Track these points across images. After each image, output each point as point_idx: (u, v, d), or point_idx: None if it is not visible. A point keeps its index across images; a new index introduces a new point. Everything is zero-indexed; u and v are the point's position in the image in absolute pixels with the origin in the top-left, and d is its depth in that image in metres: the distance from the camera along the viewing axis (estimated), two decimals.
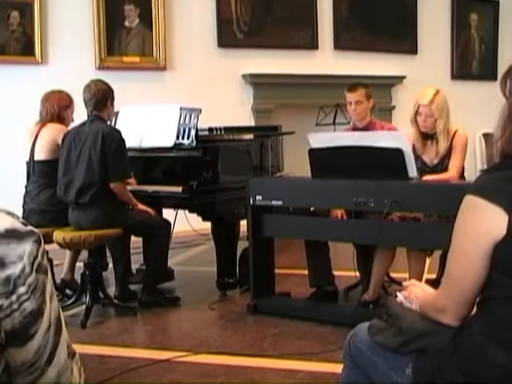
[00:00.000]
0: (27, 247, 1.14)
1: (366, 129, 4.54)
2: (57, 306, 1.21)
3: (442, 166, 4.19)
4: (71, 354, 1.25)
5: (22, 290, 1.12)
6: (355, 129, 4.63)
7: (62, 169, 4.50)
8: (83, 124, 4.53)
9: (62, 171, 4.49)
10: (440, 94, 4.19)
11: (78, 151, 4.41)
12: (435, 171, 4.19)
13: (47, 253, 1.23)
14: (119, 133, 4.46)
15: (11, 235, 1.13)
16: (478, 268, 1.62)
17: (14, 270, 1.12)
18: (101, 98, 4.47)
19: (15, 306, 1.12)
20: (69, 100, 4.84)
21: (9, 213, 1.18)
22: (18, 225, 1.15)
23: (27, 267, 1.13)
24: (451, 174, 4.15)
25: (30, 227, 1.17)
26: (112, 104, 4.58)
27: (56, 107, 4.77)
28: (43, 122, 4.78)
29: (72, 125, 4.85)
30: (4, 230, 1.13)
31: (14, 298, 1.12)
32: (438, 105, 4.13)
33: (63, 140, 4.54)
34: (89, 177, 4.35)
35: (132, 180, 4.72)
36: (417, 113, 4.21)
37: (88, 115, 4.54)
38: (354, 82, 4.75)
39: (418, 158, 4.23)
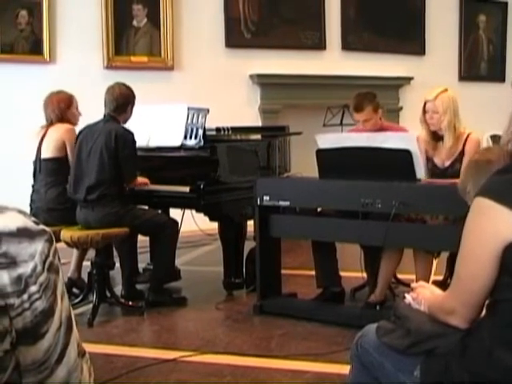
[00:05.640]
0: (39, 246, 1.14)
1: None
2: (68, 305, 1.21)
3: (452, 170, 4.14)
4: (81, 354, 1.25)
5: (33, 288, 1.13)
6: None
7: (73, 165, 4.52)
8: (97, 123, 4.55)
9: (73, 168, 4.51)
10: (447, 92, 4.17)
11: (89, 148, 4.44)
12: (446, 174, 4.15)
13: None
14: (132, 134, 4.48)
15: (23, 234, 1.13)
16: (487, 270, 1.61)
17: (25, 269, 1.12)
18: (122, 102, 4.50)
19: (26, 305, 1.12)
20: (68, 100, 4.84)
21: (21, 211, 1.18)
22: (29, 224, 1.16)
23: (39, 266, 1.13)
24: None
25: (41, 226, 1.17)
26: (131, 109, 4.60)
27: (57, 111, 4.78)
28: (51, 124, 4.80)
29: (81, 119, 4.87)
30: (16, 229, 1.13)
31: (25, 296, 1.12)
32: (442, 100, 4.11)
33: (77, 137, 4.57)
34: (100, 175, 4.37)
35: (145, 179, 4.71)
36: (424, 111, 4.19)
37: (104, 115, 4.55)
38: (359, 94, 4.61)
39: (428, 160, 4.21)
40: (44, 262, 1.14)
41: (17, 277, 1.11)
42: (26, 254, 1.13)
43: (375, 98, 4.59)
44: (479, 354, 1.64)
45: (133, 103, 4.59)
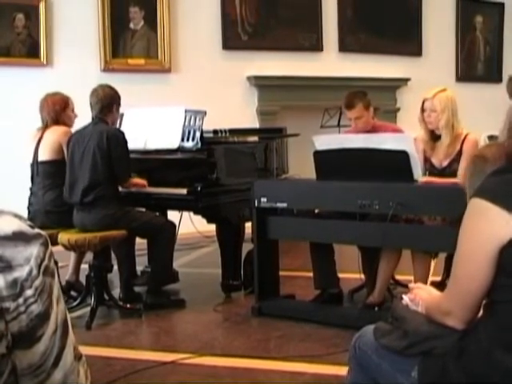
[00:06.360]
0: (34, 250, 1.14)
1: (369, 133, 4.52)
2: (64, 309, 1.21)
3: (450, 170, 4.14)
4: (78, 357, 1.25)
5: (28, 292, 1.13)
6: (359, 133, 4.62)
7: (67, 171, 4.53)
8: (86, 126, 4.56)
9: (68, 173, 4.52)
10: (446, 92, 4.19)
11: (82, 151, 4.44)
12: (443, 174, 4.15)
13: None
14: (123, 134, 4.51)
15: (18, 238, 1.13)
16: (484, 271, 1.61)
17: (21, 273, 1.12)
18: (107, 103, 4.50)
19: (22, 309, 1.12)
20: (63, 102, 4.82)
21: (16, 215, 1.18)
22: (25, 227, 1.16)
23: (34, 270, 1.13)
24: (459, 180, 4.11)
25: (37, 230, 1.17)
26: (118, 110, 4.61)
27: (53, 113, 4.76)
28: (46, 126, 4.79)
29: (76, 121, 4.87)
30: (11, 233, 1.13)
31: (20, 300, 1.12)
32: (440, 99, 4.12)
33: (68, 143, 4.57)
34: (94, 176, 4.38)
35: (143, 181, 4.71)
36: (423, 109, 4.20)
37: (92, 118, 4.56)
38: (350, 93, 4.65)
39: (426, 160, 4.22)
40: (39, 266, 1.14)
41: (12, 280, 1.11)
42: (22, 258, 1.13)
43: (366, 96, 4.61)
44: (477, 355, 1.64)
45: (118, 103, 4.59)
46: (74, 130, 4.77)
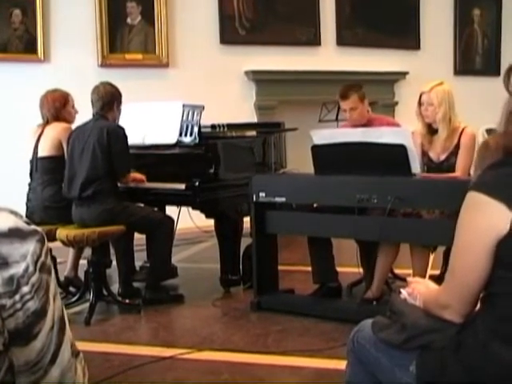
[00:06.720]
0: (30, 246, 1.14)
1: (364, 126, 4.52)
2: (60, 306, 1.21)
3: (447, 164, 4.16)
4: (75, 354, 1.25)
5: (25, 289, 1.12)
6: (354, 126, 4.61)
7: (67, 166, 4.53)
8: (87, 122, 4.57)
9: (67, 168, 4.52)
10: (443, 85, 4.20)
11: (81, 146, 4.45)
12: (441, 168, 4.17)
13: (51, 250, 1.23)
14: (123, 129, 4.50)
15: (14, 234, 1.13)
16: (481, 264, 1.62)
17: (17, 270, 1.12)
18: (108, 100, 4.52)
19: (18, 306, 1.12)
20: (63, 99, 4.83)
21: (12, 212, 1.18)
22: (21, 224, 1.15)
23: (30, 266, 1.13)
24: (457, 175, 4.13)
25: (33, 226, 1.17)
26: (118, 107, 4.62)
27: (53, 110, 4.77)
28: (47, 122, 4.80)
29: (77, 117, 4.87)
30: (7, 230, 1.13)
31: (17, 297, 1.12)
32: (437, 93, 4.14)
33: (68, 139, 4.57)
34: (93, 171, 4.39)
35: (142, 176, 4.71)
36: (420, 103, 4.20)
37: (93, 115, 4.56)
38: (345, 85, 4.67)
39: (424, 154, 4.22)
40: (36, 263, 1.14)
41: (8, 277, 1.11)
42: (18, 255, 1.12)
43: (361, 89, 4.63)
44: (474, 348, 1.64)
45: (119, 101, 4.60)
46: (74, 125, 4.77)
